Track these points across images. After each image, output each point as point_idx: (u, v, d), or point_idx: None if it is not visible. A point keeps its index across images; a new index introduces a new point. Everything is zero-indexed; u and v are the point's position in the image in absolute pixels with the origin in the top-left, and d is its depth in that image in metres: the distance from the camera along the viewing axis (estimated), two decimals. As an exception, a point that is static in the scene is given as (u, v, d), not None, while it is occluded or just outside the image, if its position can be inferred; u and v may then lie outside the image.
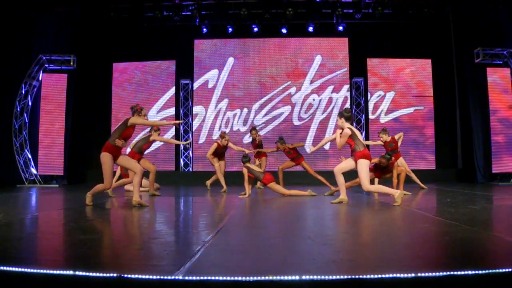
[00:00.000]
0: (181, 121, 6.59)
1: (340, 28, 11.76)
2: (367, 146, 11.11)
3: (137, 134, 10.92)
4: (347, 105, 12.15)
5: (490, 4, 11.03)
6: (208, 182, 9.17)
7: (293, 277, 1.99)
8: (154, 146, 11.91)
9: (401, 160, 8.18)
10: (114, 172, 7.82)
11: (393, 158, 7.25)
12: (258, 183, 9.51)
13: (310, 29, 11.86)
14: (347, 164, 5.75)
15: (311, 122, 12.22)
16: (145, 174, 7.26)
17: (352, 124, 5.80)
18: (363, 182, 5.48)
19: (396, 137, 8.33)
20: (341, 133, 5.68)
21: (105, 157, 5.36)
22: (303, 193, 7.03)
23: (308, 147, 6.63)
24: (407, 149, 11.63)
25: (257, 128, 10.50)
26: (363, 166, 5.48)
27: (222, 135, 8.54)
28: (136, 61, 12.46)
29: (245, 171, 7.07)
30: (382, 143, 8.29)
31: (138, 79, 12.46)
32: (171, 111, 12.34)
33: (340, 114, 5.71)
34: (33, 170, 10.77)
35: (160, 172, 9.09)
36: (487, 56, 10.61)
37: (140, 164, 7.43)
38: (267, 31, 12.15)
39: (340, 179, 5.80)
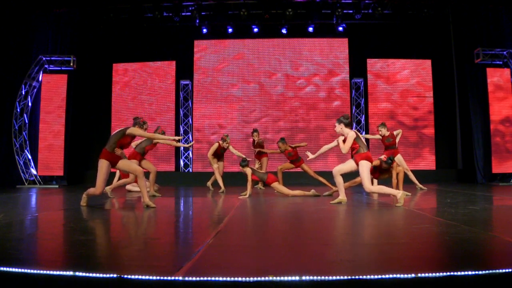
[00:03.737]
0: (180, 137, 6.68)
1: (340, 28, 11.77)
2: (367, 140, 11.16)
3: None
4: (347, 105, 12.16)
5: (490, 4, 11.04)
6: (209, 183, 9.20)
7: (293, 277, 1.99)
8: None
9: (399, 158, 8.15)
10: (113, 173, 7.85)
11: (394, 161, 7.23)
12: (260, 183, 9.51)
13: (310, 29, 11.86)
14: (346, 165, 5.75)
15: (310, 123, 12.22)
16: (146, 174, 7.27)
17: (352, 127, 5.78)
18: (365, 183, 5.48)
19: (394, 133, 8.31)
20: (344, 139, 5.65)
21: (102, 163, 5.39)
22: (306, 193, 7.03)
23: (309, 151, 6.57)
24: (407, 149, 11.65)
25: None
26: (365, 168, 5.48)
27: (224, 138, 8.56)
28: (136, 61, 12.47)
29: (248, 171, 7.06)
30: (380, 137, 8.27)
31: (138, 79, 12.46)
32: (171, 111, 12.35)
33: (339, 121, 5.67)
34: (33, 171, 10.76)
35: (160, 172, 9.08)
36: (487, 56, 10.62)
37: (141, 165, 7.45)
38: (267, 32, 12.16)
39: (339, 180, 5.79)
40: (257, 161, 9.68)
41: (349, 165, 5.72)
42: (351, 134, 5.56)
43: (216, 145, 8.61)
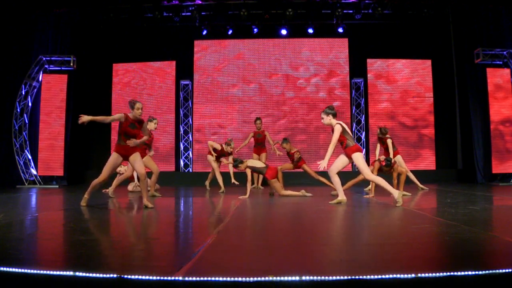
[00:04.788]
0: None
1: (340, 29, 11.76)
2: (366, 140, 11.10)
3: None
4: (347, 105, 12.16)
5: (490, 4, 11.04)
6: (207, 182, 9.20)
7: (293, 277, 1.99)
8: (154, 146, 11.91)
9: (398, 159, 8.11)
10: (114, 174, 7.83)
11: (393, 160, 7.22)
12: (258, 183, 9.51)
13: (310, 30, 11.86)
14: (339, 162, 5.76)
15: (311, 123, 12.22)
16: (148, 174, 7.26)
17: (346, 123, 5.79)
18: (365, 172, 5.51)
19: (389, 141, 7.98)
20: (332, 130, 5.69)
21: (112, 155, 5.58)
22: (296, 193, 7.09)
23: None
24: (407, 149, 11.65)
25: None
26: (359, 159, 5.53)
27: (228, 143, 8.52)
28: (136, 62, 12.47)
29: (248, 171, 7.07)
30: (379, 139, 8.17)
31: (138, 80, 12.47)
32: (171, 111, 12.36)
33: (326, 113, 5.70)
34: (33, 171, 10.76)
35: (160, 172, 9.05)
36: (487, 56, 10.61)
37: (144, 162, 7.41)
38: (266, 32, 12.16)
39: (336, 180, 5.79)
40: (257, 156, 9.67)
41: (342, 161, 5.73)
42: (337, 126, 5.60)
43: (218, 146, 8.56)
